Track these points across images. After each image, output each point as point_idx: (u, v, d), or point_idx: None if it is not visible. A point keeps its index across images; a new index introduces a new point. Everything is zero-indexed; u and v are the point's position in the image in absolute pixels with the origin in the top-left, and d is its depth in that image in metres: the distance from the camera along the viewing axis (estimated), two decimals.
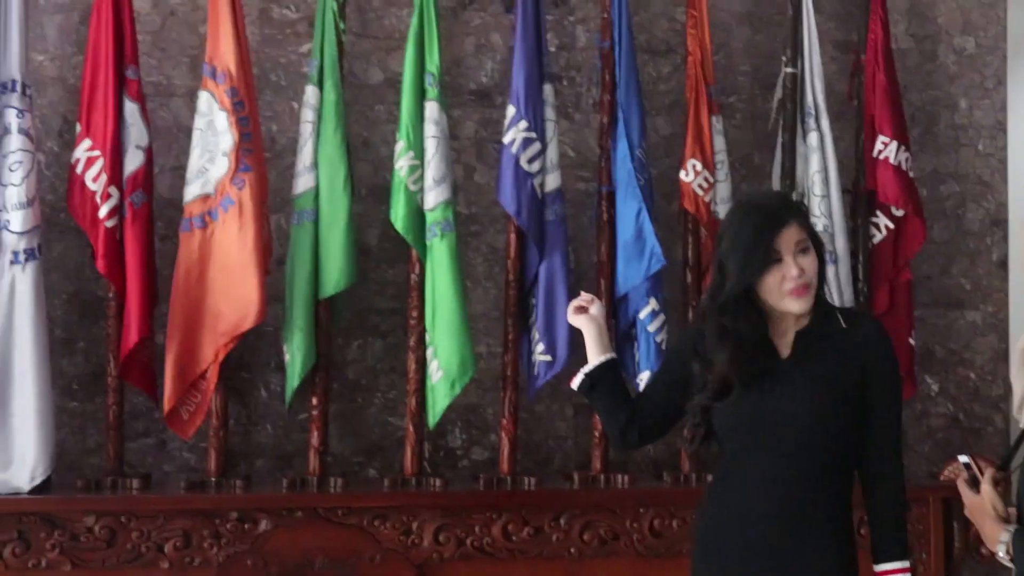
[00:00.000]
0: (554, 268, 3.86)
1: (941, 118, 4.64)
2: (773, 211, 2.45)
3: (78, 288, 3.99)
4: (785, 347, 2.47)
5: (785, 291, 2.40)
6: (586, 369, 2.69)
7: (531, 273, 3.89)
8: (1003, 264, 4.65)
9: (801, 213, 2.50)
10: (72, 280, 3.99)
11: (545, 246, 3.87)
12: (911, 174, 4.15)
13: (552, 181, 3.91)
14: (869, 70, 4.17)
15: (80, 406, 3.99)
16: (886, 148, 4.10)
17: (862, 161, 4.19)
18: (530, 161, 3.88)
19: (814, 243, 2.46)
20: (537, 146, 3.88)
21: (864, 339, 2.43)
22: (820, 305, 2.48)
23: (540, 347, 3.84)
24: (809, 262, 2.42)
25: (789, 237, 2.41)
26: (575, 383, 2.74)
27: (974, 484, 2.13)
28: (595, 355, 2.68)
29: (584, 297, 2.76)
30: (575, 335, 3.88)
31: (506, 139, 3.87)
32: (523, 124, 3.86)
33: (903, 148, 4.11)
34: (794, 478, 2.42)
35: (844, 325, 2.44)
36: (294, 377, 3.71)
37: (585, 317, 2.71)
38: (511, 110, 3.88)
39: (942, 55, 4.66)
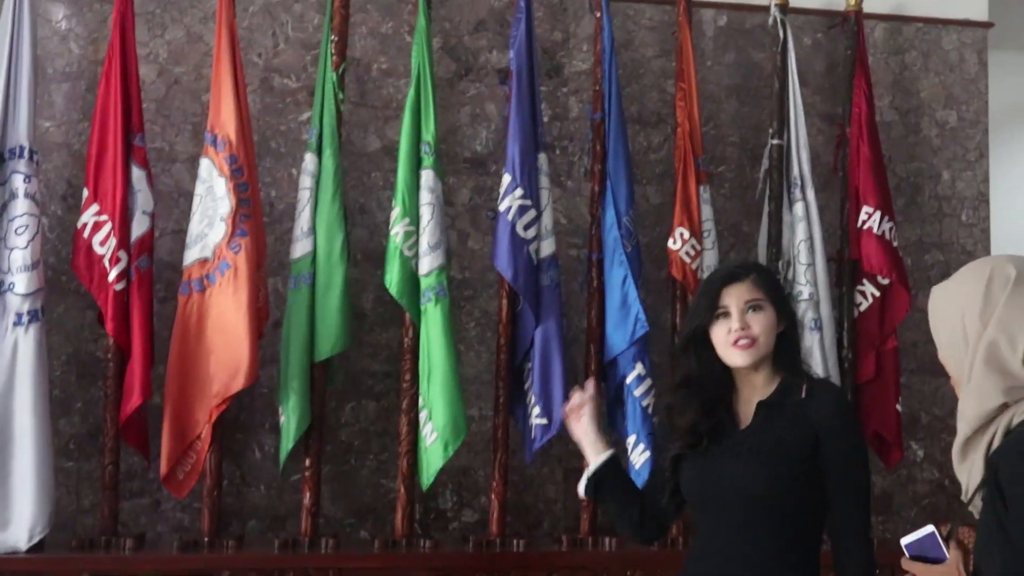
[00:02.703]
0: (549, 332, 3.93)
1: (925, 189, 4.76)
2: (728, 269, 2.59)
3: (77, 349, 4.05)
4: (747, 417, 2.50)
5: (728, 342, 2.47)
6: (588, 472, 2.69)
7: (527, 337, 3.96)
8: None
9: (759, 273, 2.53)
10: (71, 341, 4.05)
11: (541, 310, 3.94)
12: (895, 243, 4.25)
13: (547, 247, 4.00)
14: (854, 142, 4.29)
15: (75, 466, 4.02)
16: (870, 218, 4.20)
17: (847, 231, 4.29)
18: (526, 228, 3.97)
19: (779, 309, 2.50)
20: (532, 213, 3.98)
21: (818, 410, 2.40)
22: (789, 376, 2.49)
23: (536, 410, 3.91)
24: (758, 320, 2.46)
25: (739, 293, 2.48)
26: (580, 488, 2.72)
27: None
28: (592, 456, 2.68)
29: (574, 401, 2.74)
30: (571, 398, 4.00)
31: (502, 207, 3.96)
32: (519, 192, 3.95)
33: (887, 218, 4.21)
34: (751, 546, 2.42)
35: (803, 396, 2.42)
36: (289, 439, 3.75)
37: (577, 425, 2.71)
38: (507, 178, 3.96)
39: (925, 128, 4.79)
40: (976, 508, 1.88)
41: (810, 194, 4.19)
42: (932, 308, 2.01)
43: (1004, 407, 1.85)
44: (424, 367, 3.82)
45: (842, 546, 2.37)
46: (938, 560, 1.97)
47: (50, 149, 4.12)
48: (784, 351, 2.50)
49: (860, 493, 2.38)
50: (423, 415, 3.82)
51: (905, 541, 2.02)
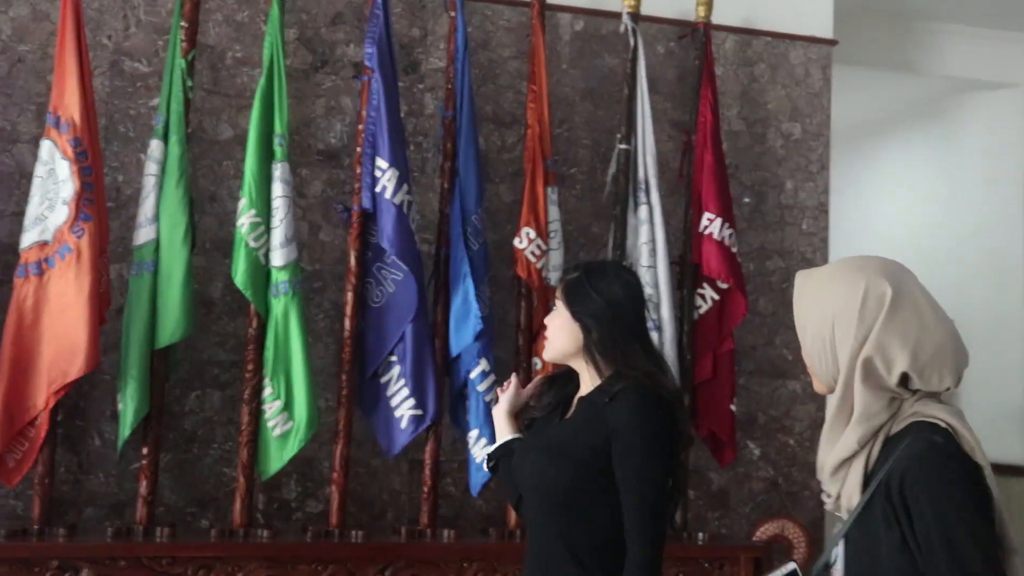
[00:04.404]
0: (421, 327, 3.97)
1: (769, 198, 4.93)
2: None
3: None
4: (571, 410, 2.60)
5: None
6: (492, 447, 2.78)
7: (393, 332, 3.98)
8: None
9: (569, 277, 2.65)
10: None
11: (417, 305, 3.97)
12: (734, 249, 4.39)
13: (418, 242, 4.06)
14: (698, 150, 4.43)
15: None
16: (711, 224, 4.34)
17: (690, 235, 4.41)
18: (413, 222, 4.01)
19: (574, 312, 2.58)
20: (415, 209, 4.04)
21: (613, 413, 2.45)
22: (613, 377, 2.54)
23: (411, 402, 3.93)
24: (550, 321, 2.64)
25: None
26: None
27: None
28: (501, 436, 2.75)
29: (506, 387, 2.82)
30: (441, 391, 4.04)
31: (396, 200, 3.96)
32: (406, 187, 3.99)
33: (727, 224, 4.35)
34: (544, 538, 2.51)
35: (607, 399, 2.48)
36: (126, 426, 3.72)
37: (497, 407, 2.80)
38: (395, 173, 3.96)
39: (771, 139, 4.96)
40: (846, 512, 1.89)
41: (654, 198, 4.31)
42: (799, 302, 1.99)
43: (884, 421, 1.87)
44: (276, 359, 3.82)
45: (627, 545, 2.42)
46: None
47: None
48: (599, 353, 2.55)
49: (640, 496, 2.40)
50: (275, 405, 3.82)
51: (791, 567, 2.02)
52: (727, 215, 4.37)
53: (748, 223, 4.86)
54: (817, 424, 4.87)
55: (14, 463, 3.60)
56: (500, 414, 2.77)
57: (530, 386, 2.80)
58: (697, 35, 4.56)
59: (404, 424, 3.97)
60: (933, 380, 1.86)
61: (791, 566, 2.01)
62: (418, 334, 3.96)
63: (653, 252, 4.25)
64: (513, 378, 2.84)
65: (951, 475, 1.77)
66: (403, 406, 3.96)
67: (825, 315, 1.91)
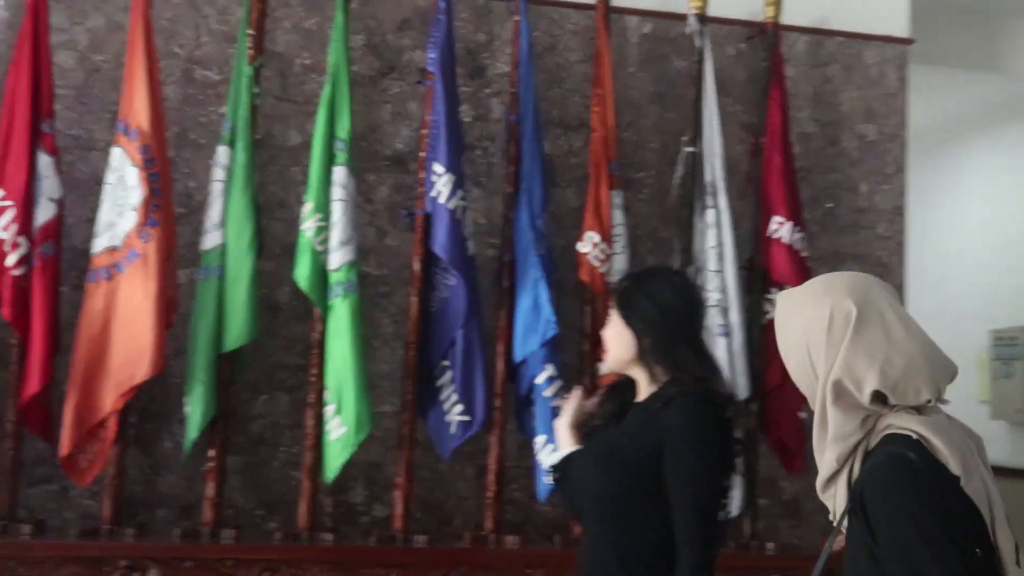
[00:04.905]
0: (472, 332, 3.96)
1: (843, 201, 4.83)
2: None
3: None
4: (627, 417, 2.59)
5: None
6: (556, 458, 2.77)
7: (446, 336, 3.99)
8: None
9: (622, 287, 2.68)
10: None
11: (468, 310, 3.97)
12: (804, 254, 4.31)
13: (471, 248, 4.06)
14: (767, 152, 4.35)
15: None
16: (780, 228, 4.26)
17: (759, 239, 4.34)
18: (467, 227, 4.02)
19: (629, 322, 2.59)
20: (469, 215, 4.04)
21: (665, 421, 2.45)
22: (668, 384, 2.53)
23: (459, 408, 3.94)
24: (607, 331, 2.66)
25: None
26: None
27: None
28: (565, 447, 2.74)
29: (567, 399, 2.83)
30: (490, 397, 4.04)
31: (450, 205, 3.96)
32: (461, 193, 3.99)
33: (797, 228, 4.27)
34: (597, 544, 2.50)
35: (659, 406, 2.47)
36: (193, 429, 3.77)
37: (560, 419, 2.79)
38: (451, 178, 3.96)
39: (845, 141, 4.86)
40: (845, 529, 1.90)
41: (722, 201, 4.24)
42: (778, 326, 2.01)
43: (860, 437, 1.87)
44: (332, 361, 3.84)
45: (678, 550, 2.41)
46: None
47: None
48: (651, 359, 2.55)
49: (690, 501, 2.39)
50: (331, 409, 3.84)
51: None
52: (797, 218, 4.29)
53: (821, 227, 4.77)
54: None
55: (86, 463, 3.67)
56: (563, 426, 2.76)
57: (593, 398, 2.79)
58: (766, 36, 4.49)
59: (453, 429, 3.97)
60: (909, 395, 1.84)
61: None
62: (469, 340, 3.96)
63: (721, 256, 4.19)
64: (576, 389, 2.84)
65: (906, 485, 1.76)
66: (453, 411, 3.97)
67: (800, 340, 1.92)
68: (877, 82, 4.91)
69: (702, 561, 2.38)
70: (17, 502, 3.81)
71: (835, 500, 1.89)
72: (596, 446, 2.59)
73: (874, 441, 1.85)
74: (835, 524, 1.89)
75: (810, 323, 1.90)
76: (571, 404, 2.76)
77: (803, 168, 4.72)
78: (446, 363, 4.02)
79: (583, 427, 2.71)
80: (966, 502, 1.76)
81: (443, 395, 4.02)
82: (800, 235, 4.28)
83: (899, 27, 4.94)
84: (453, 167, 3.95)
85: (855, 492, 1.82)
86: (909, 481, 1.76)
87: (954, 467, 1.77)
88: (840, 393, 1.85)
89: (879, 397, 1.84)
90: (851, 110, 4.88)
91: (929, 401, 1.86)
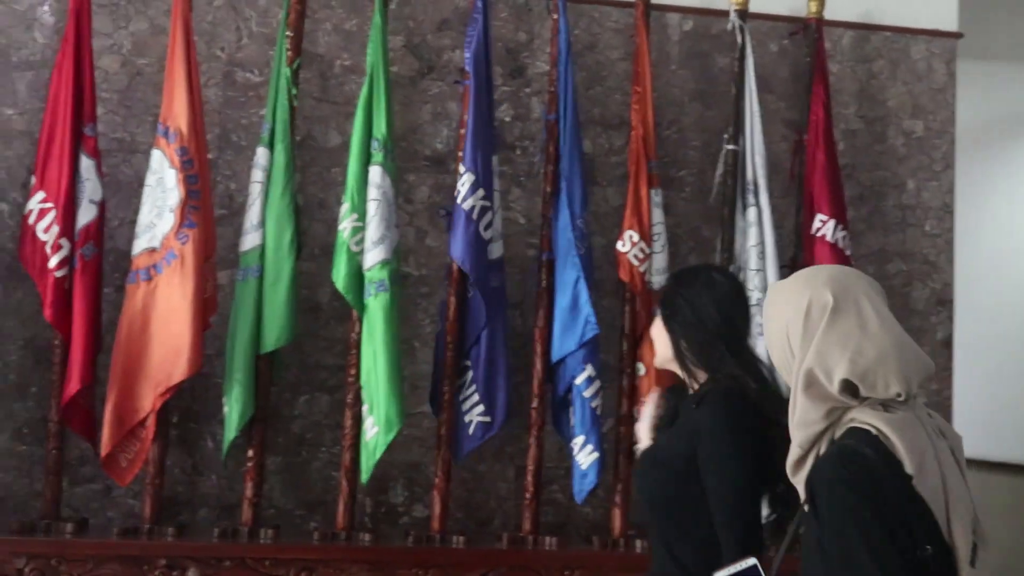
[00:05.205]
0: (496, 333, 3.95)
1: (889, 198, 4.75)
2: None
3: (34, 335, 4.09)
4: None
5: None
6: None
7: (470, 336, 3.98)
8: (948, 343, 4.72)
9: (661, 290, 2.73)
10: (28, 327, 4.09)
11: (489, 311, 3.96)
12: (848, 252, 4.24)
13: (497, 249, 4.03)
14: (810, 149, 4.29)
15: (28, 450, 4.07)
16: (824, 226, 4.20)
17: (802, 237, 4.28)
18: (485, 228, 3.99)
19: (665, 320, 2.63)
20: (490, 215, 4.01)
21: (698, 418, 2.47)
22: (700, 384, 2.57)
23: (479, 408, 3.93)
24: (652, 330, 2.70)
25: None
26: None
27: None
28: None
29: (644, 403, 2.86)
30: (513, 399, 4.03)
31: (466, 205, 3.95)
32: (481, 192, 3.97)
33: (841, 226, 4.21)
34: (655, 543, 2.54)
35: (694, 406, 2.51)
36: (231, 429, 3.79)
37: (639, 423, 2.81)
38: (470, 178, 3.96)
39: (891, 137, 4.78)
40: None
41: (764, 200, 4.19)
42: (764, 312, 2.07)
43: (826, 428, 1.91)
44: (365, 361, 3.84)
45: (722, 548, 2.41)
46: None
47: (12, 137, 4.17)
48: (687, 358, 2.58)
49: (722, 498, 2.39)
50: (365, 409, 3.84)
51: (719, 575, 2.02)
52: (840, 216, 4.22)
53: (867, 225, 4.70)
54: None
55: (126, 463, 3.71)
56: (643, 429, 2.79)
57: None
58: (808, 31, 4.43)
59: (472, 430, 3.96)
60: (878, 386, 1.86)
61: (751, 561, 2.02)
62: (492, 340, 3.95)
63: (762, 255, 4.13)
64: (654, 391, 2.86)
65: (851, 479, 1.80)
66: (472, 411, 3.96)
67: (781, 330, 1.98)
68: (924, 77, 4.82)
69: (736, 549, 2.36)
70: (61, 501, 3.86)
71: (803, 486, 1.95)
72: (648, 448, 2.64)
73: (839, 433, 1.88)
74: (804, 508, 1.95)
75: (790, 313, 1.96)
76: (650, 406, 2.79)
77: (848, 165, 4.66)
78: (467, 363, 4.02)
79: (654, 430, 2.75)
80: (917, 500, 1.78)
81: (462, 395, 4.01)
82: (844, 233, 4.22)
83: (947, 20, 4.84)
84: (474, 166, 3.94)
85: (807, 482, 1.89)
86: (855, 475, 1.80)
87: (908, 465, 1.79)
88: (810, 382, 1.89)
89: (849, 388, 1.87)
90: (898, 106, 4.80)
91: (899, 396, 1.87)
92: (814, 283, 1.97)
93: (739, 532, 2.37)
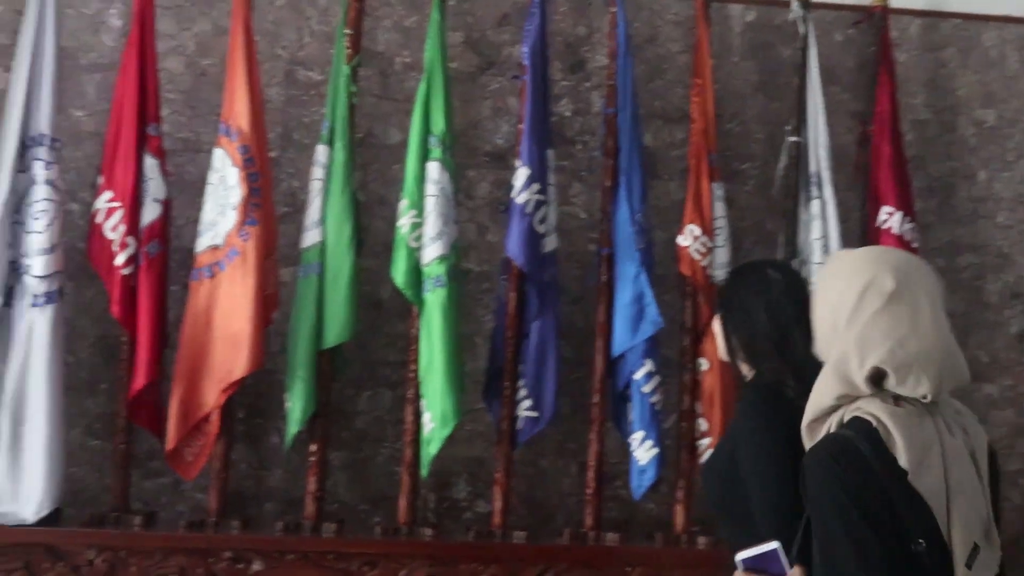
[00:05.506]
0: (547, 327, 3.95)
1: (959, 189, 4.65)
2: None
3: (104, 332, 4.17)
4: None
5: None
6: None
7: (525, 330, 3.98)
8: (1021, 337, 4.61)
9: (719, 287, 2.74)
10: (99, 324, 4.17)
11: (541, 305, 3.96)
12: (915, 244, 4.16)
13: (551, 243, 4.02)
14: (876, 141, 4.22)
15: (100, 444, 4.15)
16: (890, 218, 4.13)
17: (867, 230, 4.21)
18: (540, 222, 3.99)
19: (724, 318, 2.62)
20: (545, 209, 4.00)
21: (734, 420, 2.50)
22: (747, 382, 2.57)
23: (527, 403, 3.93)
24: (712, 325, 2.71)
25: None
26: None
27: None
28: None
29: None
30: (562, 393, 4.01)
31: (520, 199, 3.96)
32: (535, 187, 3.97)
33: (908, 219, 4.13)
34: (726, 542, 2.50)
35: (738, 403, 2.54)
36: (293, 424, 3.84)
37: None
38: (525, 172, 3.97)
39: (962, 127, 4.68)
40: None
41: (828, 192, 4.12)
42: (820, 275, 2.07)
43: (833, 408, 1.90)
44: (423, 357, 3.86)
45: None
46: (778, 575, 1.98)
47: (82, 138, 4.26)
48: (738, 354, 2.58)
49: (756, 494, 2.36)
50: (423, 403, 3.86)
51: (741, 556, 2.01)
52: (907, 208, 4.14)
53: (937, 217, 4.60)
54: (1017, 431, 4.56)
55: (191, 457, 3.77)
56: None
57: None
58: (874, 20, 4.35)
59: (519, 424, 3.95)
60: (909, 382, 1.83)
61: (773, 544, 2.00)
62: (542, 334, 3.94)
63: (826, 248, 4.06)
64: None
65: (837, 469, 1.80)
66: (520, 406, 3.94)
67: (832, 300, 1.94)
68: (996, 65, 4.71)
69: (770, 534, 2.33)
70: (131, 494, 3.93)
71: None
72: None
73: (847, 417, 1.87)
74: None
75: (846, 287, 1.92)
76: None
77: (917, 156, 4.56)
78: (520, 357, 4.02)
79: None
80: (913, 495, 1.77)
81: (517, 390, 4.01)
82: (911, 225, 4.14)
83: (1019, 6, 4.71)
84: (529, 160, 3.94)
85: (802, 464, 1.90)
86: (843, 467, 1.80)
87: (903, 460, 1.77)
88: (841, 363, 1.88)
89: (877, 376, 1.84)
90: (968, 95, 4.69)
91: (925, 397, 1.83)
92: (880, 264, 1.93)
93: (776, 523, 2.31)
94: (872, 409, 1.83)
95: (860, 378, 1.85)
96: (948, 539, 1.77)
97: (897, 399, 1.84)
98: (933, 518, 1.76)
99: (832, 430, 1.88)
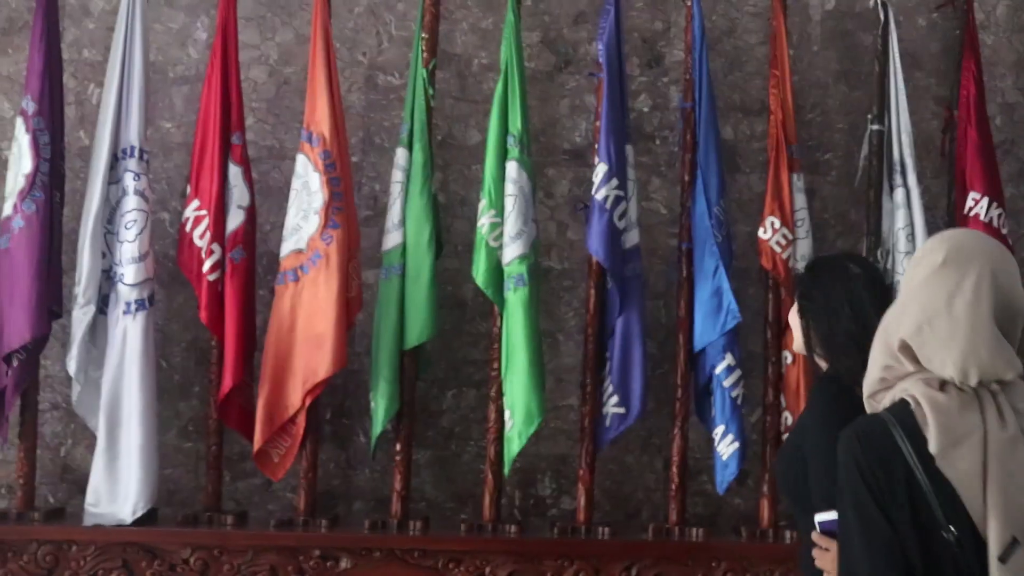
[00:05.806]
0: (631, 323, 3.95)
1: None
2: None
3: (195, 336, 4.29)
4: None
5: None
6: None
7: (608, 327, 3.99)
8: None
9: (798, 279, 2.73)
10: (190, 329, 4.29)
11: (624, 301, 3.96)
12: (1004, 231, 4.06)
13: (632, 238, 4.02)
14: (961, 126, 4.14)
15: (193, 446, 4.27)
16: (977, 204, 4.04)
17: (954, 217, 4.12)
18: (619, 218, 3.99)
19: (804, 311, 2.57)
20: (624, 204, 4.00)
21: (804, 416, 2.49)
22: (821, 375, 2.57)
23: (614, 399, 3.93)
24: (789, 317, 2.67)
25: None
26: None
27: None
28: None
29: None
30: (657, 390, 4.01)
31: (599, 195, 3.97)
32: (614, 182, 3.97)
33: (996, 204, 4.04)
34: (801, 533, 2.48)
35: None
36: (378, 423, 3.90)
37: None
38: (603, 168, 3.97)
39: None
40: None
41: (912, 180, 4.04)
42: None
43: (885, 382, 1.88)
44: (505, 355, 3.88)
45: None
46: None
47: (171, 149, 4.39)
48: (818, 352, 2.55)
49: (813, 485, 2.34)
50: (504, 401, 3.89)
51: (819, 518, 2.16)
52: (995, 194, 4.04)
53: None
54: None
55: (278, 458, 3.86)
56: None
57: None
58: (958, 3, 4.25)
59: (608, 421, 3.95)
60: (935, 361, 1.80)
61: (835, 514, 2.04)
62: (627, 330, 3.93)
63: (911, 237, 3.98)
64: None
65: (854, 448, 1.83)
66: (608, 403, 3.94)
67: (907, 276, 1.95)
68: None
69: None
70: (223, 494, 4.04)
71: None
72: None
73: (899, 396, 1.84)
74: None
75: (912, 258, 1.99)
76: None
77: (1007, 140, 4.45)
78: (607, 354, 4.02)
79: None
80: (940, 480, 1.74)
81: (605, 386, 4.01)
82: (999, 211, 4.04)
83: None
84: (607, 157, 3.94)
85: None
86: (860, 442, 1.82)
87: (933, 444, 1.74)
88: (884, 330, 1.88)
89: (908, 350, 1.83)
90: None
91: (952, 379, 1.79)
92: (942, 239, 1.91)
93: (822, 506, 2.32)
94: (915, 391, 1.80)
95: (894, 347, 1.84)
96: (983, 530, 1.72)
97: (942, 384, 1.81)
98: (963, 506, 1.73)
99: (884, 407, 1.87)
